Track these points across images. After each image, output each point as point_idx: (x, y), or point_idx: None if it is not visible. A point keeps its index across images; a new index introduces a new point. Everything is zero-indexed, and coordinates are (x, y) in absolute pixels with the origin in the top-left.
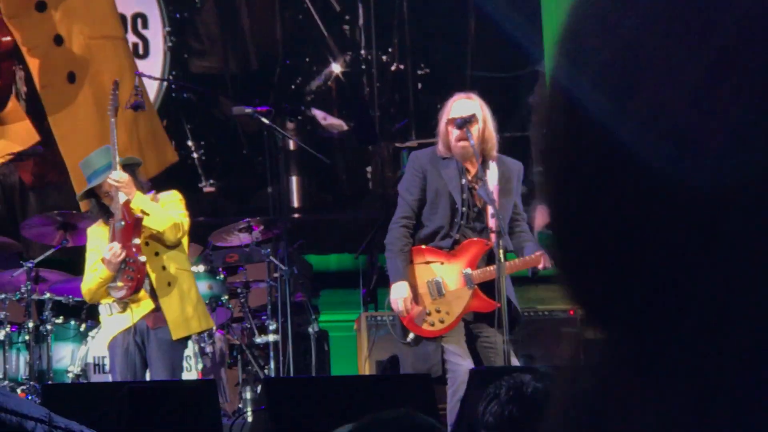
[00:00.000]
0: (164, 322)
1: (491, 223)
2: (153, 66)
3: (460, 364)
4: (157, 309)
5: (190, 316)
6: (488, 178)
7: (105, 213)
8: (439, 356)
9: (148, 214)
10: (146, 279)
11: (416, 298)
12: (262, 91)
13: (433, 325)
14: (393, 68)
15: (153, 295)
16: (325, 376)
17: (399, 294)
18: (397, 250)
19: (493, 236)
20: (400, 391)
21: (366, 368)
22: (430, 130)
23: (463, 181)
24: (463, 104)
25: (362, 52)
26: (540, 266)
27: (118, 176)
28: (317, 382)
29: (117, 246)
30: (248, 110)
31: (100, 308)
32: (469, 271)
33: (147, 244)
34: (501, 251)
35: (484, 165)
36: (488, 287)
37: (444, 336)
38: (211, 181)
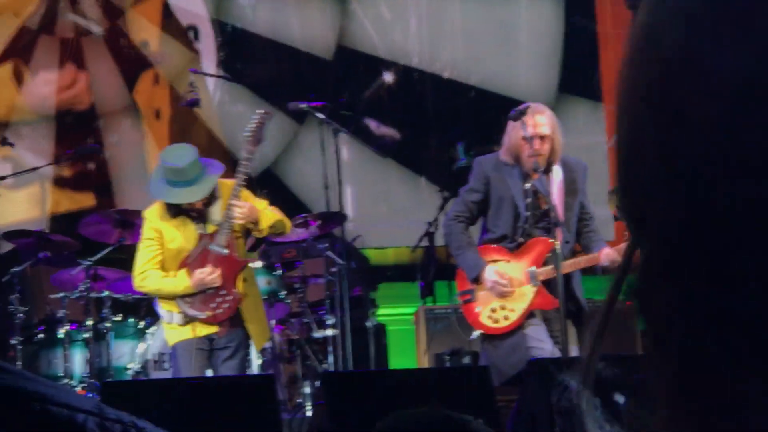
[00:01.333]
0: (234, 329)
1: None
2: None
3: (543, 348)
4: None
5: (266, 325)
6: (553, 178)
7: (177, 211)
8: (525, 344)
9: (281, 221)
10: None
11: (482, 296)
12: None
13: (497, 322)
14: (446, 76)
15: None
16: (383, 370)
17: (492, 276)
18: (466, 244)
19: (557, 232)
20: (458, 383)
21: (425, 361)
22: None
23: (527, 185)
24: (539, 120)
25: (414, 60)
26: (602, 263)
27: (240, 210)
28: (375, 376)
29: (216, 276)
30: (303, 105)
31: (160, 311)
32: (533, 269)
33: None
34: (562, 252)
35: (548, 169)
36: (553, 285)
37: (525, 326)
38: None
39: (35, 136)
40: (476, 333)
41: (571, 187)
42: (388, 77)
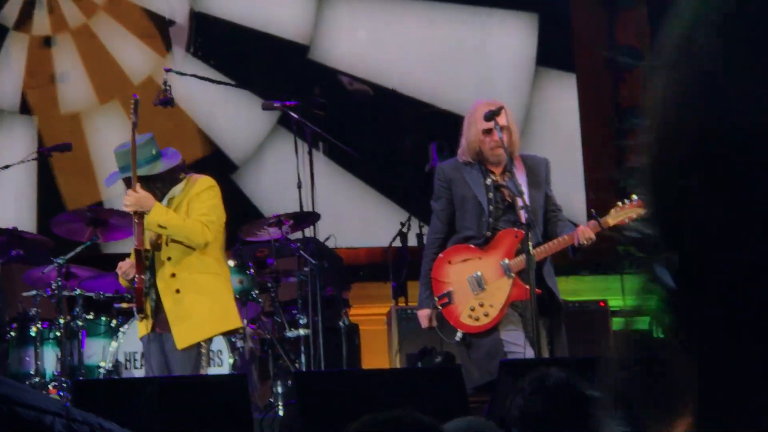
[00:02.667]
0: (165, 330)
1: (522, 217)
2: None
3: (519, 352)
4: (162, 316)
5: (200, 322)
6: (517, 172)
7: None
8: (503, 349)
9: (165, 228)
10: (152, 290)
11: (459, 295)
12: (288, 80)
13: (478, 319)
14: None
15: (158, 304)
16: (356, 370)
17: (422, 316)
18: (425, 280)
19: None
20: (430, 384)
21: (397, 361)
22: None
23: (488, 181)
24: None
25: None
26: (576, 242)
27: (130, 201)
28: (348, 376)
29: (125, 266)
30: (277, 105)
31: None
32: (506, 261)
33: (166, 244)
34: (530, 243)
35: (509, 165)
36: (527, 275)
37: (501, 329)
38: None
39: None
40: (459, 334)
41: (534, 180)
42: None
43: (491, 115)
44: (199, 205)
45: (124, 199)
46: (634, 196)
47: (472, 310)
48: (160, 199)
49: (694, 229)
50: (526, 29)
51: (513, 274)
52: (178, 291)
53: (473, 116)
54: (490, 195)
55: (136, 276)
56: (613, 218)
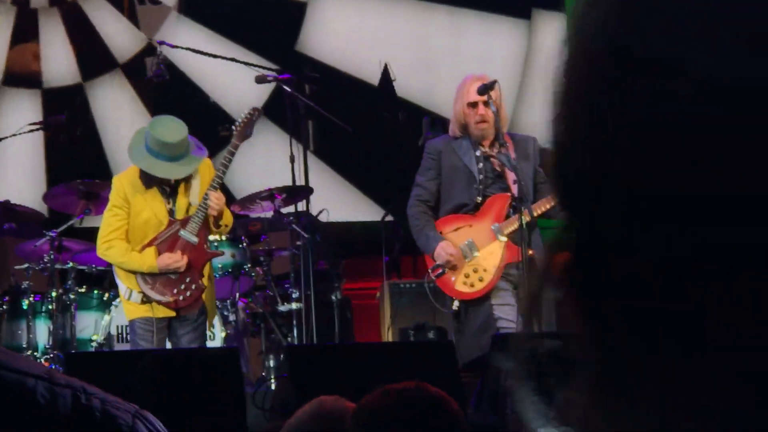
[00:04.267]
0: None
1: (514, 189)
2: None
3: (513, 328)
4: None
5: (215, 302)
6: (503, 149)
7: (150, 183)
8: (494, 323)
9: (227, 226)
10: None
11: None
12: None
13: (473, 285)
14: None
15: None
16: (348, 343)
17: (446, 249)
18: (424, 224)
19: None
20: (422, 357)
21: (389, 336)
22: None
23: (478, 152)
24: (480, 84)
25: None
26: None
27: (217, 203)
28: (340, 350)
29: (183, 263)
30: (270, 77)
31: (119, 283)
32: (497, 225)
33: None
34: (524, 217)
35: (497, 139)
36: (518, 238)
37: (494, 301)
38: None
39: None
40: (456, 303)
41: (523, 153)
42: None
43: (485, 89)
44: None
45: (212, 202)
46: None
47: (467, 276)
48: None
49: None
50: (517, 35)
51: (504, 237)
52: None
53: (461, 90)
54: (480, 165)
55: (195, 282)
56: None
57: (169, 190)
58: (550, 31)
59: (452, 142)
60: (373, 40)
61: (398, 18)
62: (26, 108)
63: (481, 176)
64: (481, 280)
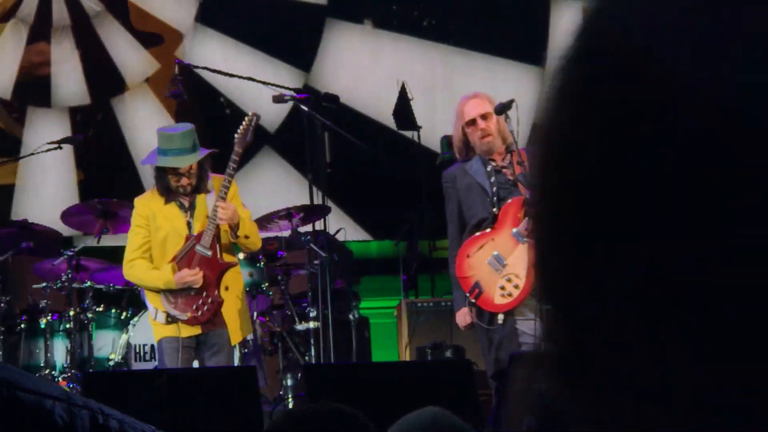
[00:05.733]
0: (218, 326)
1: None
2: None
3: (534, 343)
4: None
5: (246, 318)
6: (515, 162)
7: (167, 191)
8: (516, 338)
9: (248, 237)
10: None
11: (486, 282)
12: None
13: (511, 294)
14: (425, 24)
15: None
16: (365, 363)
17: (465, 320)
18: (455, 282)
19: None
20: (440, 377)
21: (406, 355)
22: None
23: (488, 167)
24: (476, 103)
25: (393, 7)
26: None
27: (224, 212)
28: (357, 369)
29: (198, 278)
30: (287, 97)
31: (148, 304)
32: (515, 229)
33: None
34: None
35: (507, 151)
36: None
37: (516, 317)
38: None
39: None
40: (501, 316)
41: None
42: None
43: (502, 109)
44: (241, 208)
45: (219, 212)
46: None
47: (502, 288)
48: (193, 193)
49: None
50: (530, 81)
51: (526, 239)
52: (227, 288)
53: (457, 112)
54: (492, 179)
55: (212, 296)
56: None
57: (187, 204)
58: None
59: (464, 165)
60: (385, 79)
61: (411, 60)
62: (54, 124)
63: (495, 188)
64: (516, 287)
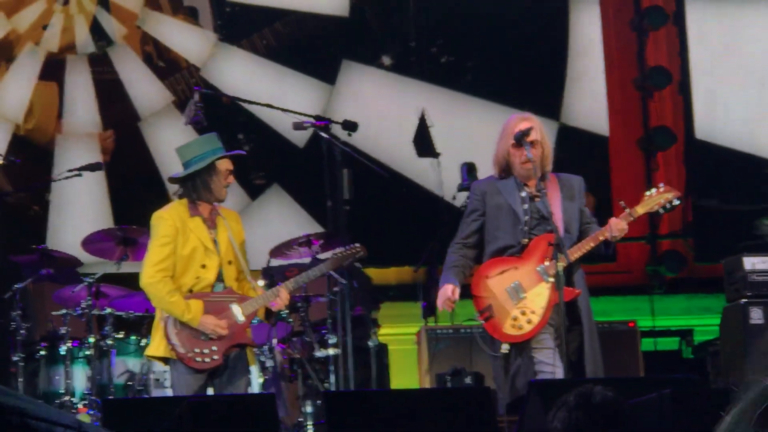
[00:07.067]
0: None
1: (560, 230)
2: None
3: (552, 372)
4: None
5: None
6: (549, 190)
7: (208, 197)
8: (533, 366)
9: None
10: None
11: (500, 308)
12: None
13: (521, 328)
14: (443, 60)
15: None
16: (385, 390)
17: (445, 293)
18: (450, 263)
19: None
20: (460, 404)
21: (426, 381)
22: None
23: (523, 193)
24: (526, 126)
25: (412, 44)
26: (609, 234)
27: (284, 303)
28: (377, 396)
29: (223, 333)
30: (307, 124)
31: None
32: (542, 266)
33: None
34: (560, 264)
35: (542, 179)
36: (563, 277)
37: (534, 345)
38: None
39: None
40: (505, 346)
41: (568, 194)
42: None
43: (521, 136)
44: (245, 252)
45: (278, 302)
46: (661, 184)
47: (515, 319)
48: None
49: None
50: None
51: (551, 279)
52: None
53: (505, 130)
54: (525, 206)
55: (219, 350)
56: (642, 207)
57: (210, 222)
58: None
59: (497, 182)
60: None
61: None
62: (84, 150)
63: (527, 217)
64: (529, 322)
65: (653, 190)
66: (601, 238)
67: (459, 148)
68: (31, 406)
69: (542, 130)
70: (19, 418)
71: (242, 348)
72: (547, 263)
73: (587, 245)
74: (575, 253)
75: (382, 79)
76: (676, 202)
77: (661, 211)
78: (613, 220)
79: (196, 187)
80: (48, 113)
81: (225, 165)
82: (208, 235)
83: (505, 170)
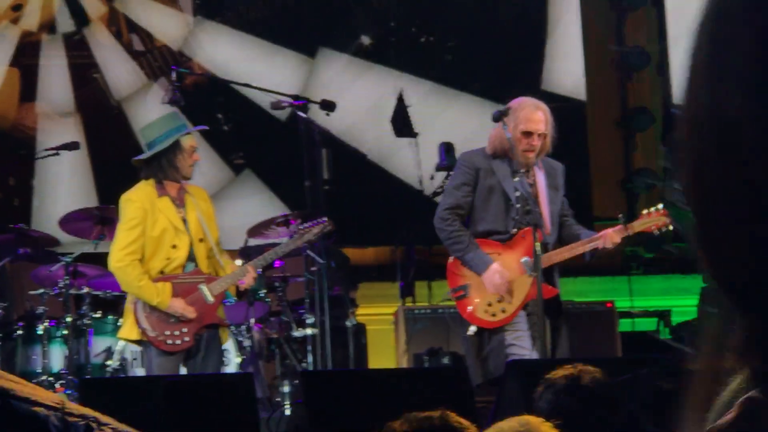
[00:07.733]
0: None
1: (547, 223)
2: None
3: (525, 355)
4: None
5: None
6: (536, 173)
7: (175, 176)
8: (504, 348)
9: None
10: None
11: (476, 290)
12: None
13: (494, 315)
14: (422, 40)
15: None
16: (363, 370)
17: (503, 275)
18: (468, 242)
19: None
20: (437, 383)
21: (404, 361)
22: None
23: (516, 178)
24: (540, 119)
25: (392, 24)
26: (601, 246)
27: (252, 282)
28: (354, 376)
29: (190, 315)
30: (285, 104)
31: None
32: (527, 259)
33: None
34: (538, 244)
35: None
36: (546, 275)
37: (507, 329)
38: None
39: None
40: (473, 328)
41: (553, 182)
42: (366, 40)
43: (500, 116)
44: (215, 228)
45: (246, 280)
46: (660, 205)
47: (489, 305)
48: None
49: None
50: None
51: (534, 273)
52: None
53: (519, 114)
54: (518, 193)
55: (189, 331)
56: (639, 225)
57: (178, 201)
58: None
59: (492, 161)
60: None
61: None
62: (65, 131)
63: (518, 205)
64: (503, 311)
65: (652, 210)
66: (591, 246)
67: (437, 128)
68: (15, 385)
69: (550, 120)
70: (2, 398)
71: (214, 328)
72: (532, 258)
73: (576, 250)
74: (563, 254)
75: (361, 60)
76: (672, 227)
77: (656, 232)
78: (608, 233)
79: (162, 166)
80: (7, 98)
81: (189, 142)
82: (177, 214)
83: (505, 152)
